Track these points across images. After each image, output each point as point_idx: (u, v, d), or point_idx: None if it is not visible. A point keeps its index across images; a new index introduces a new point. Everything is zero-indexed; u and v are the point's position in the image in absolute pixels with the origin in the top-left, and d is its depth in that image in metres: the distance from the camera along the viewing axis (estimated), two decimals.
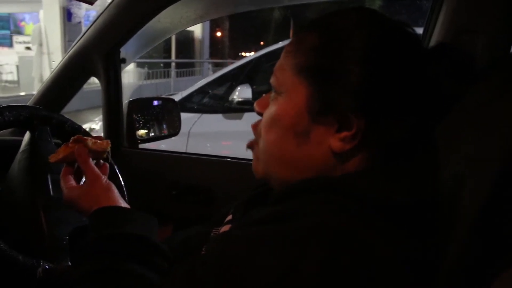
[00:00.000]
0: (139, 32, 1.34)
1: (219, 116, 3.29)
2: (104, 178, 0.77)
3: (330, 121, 0.62)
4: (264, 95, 0.73)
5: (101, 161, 0.84)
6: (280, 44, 3.58)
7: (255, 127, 0.72)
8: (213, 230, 0.80)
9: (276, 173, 0.69)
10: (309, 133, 0.64)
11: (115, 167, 1.18)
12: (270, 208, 0.63)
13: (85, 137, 0.81)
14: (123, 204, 0.74)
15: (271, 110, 0.68)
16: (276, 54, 3.45)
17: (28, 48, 9.70)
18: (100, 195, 0.74)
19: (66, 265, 0.92)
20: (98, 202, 0.72)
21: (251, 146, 0.73)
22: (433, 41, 1.00)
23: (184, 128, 1.74)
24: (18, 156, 1.04)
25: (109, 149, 0.83)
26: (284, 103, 0.66)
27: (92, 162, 0.79)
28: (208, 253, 0.59)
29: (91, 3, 1.32)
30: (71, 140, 0.81)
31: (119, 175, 1.18)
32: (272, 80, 0.69)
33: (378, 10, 0.68)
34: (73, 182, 0.79)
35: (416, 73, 0.63)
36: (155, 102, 1.67)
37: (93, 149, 0.80)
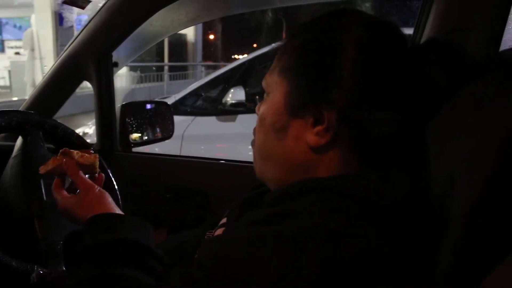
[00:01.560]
0: (131, 36, 1.34)
1: (212, 118, 3.29)
2: (97, 187, 0.78)
3: (306, 116, 0.64)
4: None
5: (96, 175, 0.85)
6: (273, 46, 3.57)
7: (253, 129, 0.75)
8: (207, 233, 0.80)
9: (267, 171, 0.71)
10: (287, 129, 0.66)
11: (109, 171, 1.18)
12: (265, 210, 0.63)
13: (72, 150, 0.83)
14: (118, 211, 0.75)
15: (260, 111, 0.71)
16: (268, 56, 3.45)
17: (17, 53, 9.63)
18: (94, 203, 0.75)
19: (60, 270, 0.91)
20: (93, 210, 0.73)
21: (252, 144, 0.76)
22: (423, 41, 1.00)
23: (177, 131, 1.73)
24: (11, 161, 1.04)
25: (97, 163, 0.85)
26: (269, 103, 0.69)
27: (82, 174, 0.80)
28: (203, 256, 0.59)
29: (83, 8, 1.32)
30: (59, 153, 0.83)
31: (113, 179, 1.18)
32: (263, 83, 0.72)
33: (361, 10, 0.70)
34: (65, 193, 0.81)
35: (395, 69, 0.63)
36: (148, 106, 1.67)
37: (81, 162, 0.82)
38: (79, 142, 1.19)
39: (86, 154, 0.83)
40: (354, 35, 0.62)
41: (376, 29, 0.64)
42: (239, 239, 0.57)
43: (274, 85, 0.68)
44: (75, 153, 0.82)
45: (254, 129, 0.74)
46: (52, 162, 0.83)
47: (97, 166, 0.85)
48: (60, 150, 0.83)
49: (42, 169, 0.84)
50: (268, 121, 0.69)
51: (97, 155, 0.85)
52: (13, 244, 0.95)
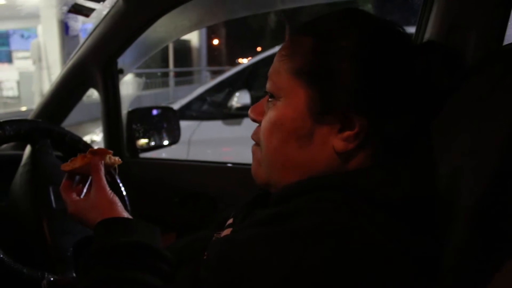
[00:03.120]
0: (135, 43, 1.35)
1: (218, 122, 3.30)
2: (110, 191, 0.78)
3: (332, 121, 0.63)
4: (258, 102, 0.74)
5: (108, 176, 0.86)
6: (277, 49, 3.59)
7: (255, 134, 0.73)
8: (215, 234, 0.80)
9: (280, 179, 0.68)
10: (312, 135, 0.64)
11: (117, 177, 1.19)
12: (271, 209, 0.63)
13: (107, 150, 0.83)
14: (126, 215, 0.76)
15: (270, 115, 0.68)
16: (272, 59, 3.44)
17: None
18: (104, 207, 0.75)
19: (71, 277, 0.92)
20: (102, 214, 0.73)
21: (254, 151, 0.74)
22: (426, 38, 1.00)
23: (184, 136, 1.74)
24: (20, 169, 1.05)
25: (117, 165, 0.86)
26: (283, 107, 0.66)
27: (103, 174, 0.80)
28: (210, 257, 0.59)
29: (87, 16, 1.33)
30: (88, 151, 0.82)
31: (121, 184, 1.19)
32: (269, 85, 0.69)
33: (368, 11, 0.69)
34: (75, 196, 0.80)
35: (409, 70, 0.64)
36: (154, 112, 1.68)
37: (108, 164, 0.83)
38: (86, 149, 1.21)
39: (113, 157, 0.84)
40: (367, 37, 0.62)
41: (388, 32, 0.65)
42: (245, 239, 0.57)
43: (289, 89, 0.65)
44: (108, 157, 0.83)
45: (254, 135, 0.73)
46: (80, 159, 0.81)
47: (117, 169, 0.85)
48: (91, 149, 0.83)
49: (68, 166, 0.82)
50: (286, 127, 0.65)
51: (120, 159, 0.85)
52: (24, 252, 0.95)
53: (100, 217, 0.73)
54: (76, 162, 0.82)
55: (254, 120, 0.73)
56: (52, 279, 0.88)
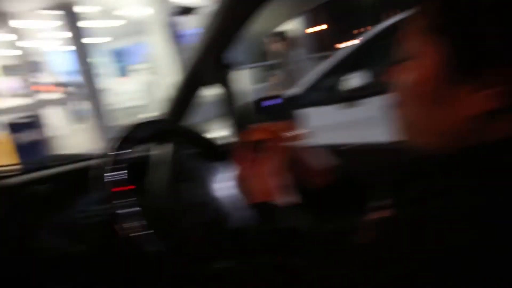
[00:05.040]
0: (243, 36, 1.36)
1: (334, 107, 3.22)
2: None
3: (471, 81, 0.58)
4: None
5: None
6: (382, 25, 3.39)
7: (393, 96, 0.71)
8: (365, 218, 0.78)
9: (418, 141, 0.67)
10: (447, 97, 0.61)
11: None
12: (421, 185, 0.61)
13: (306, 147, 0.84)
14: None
15: (404, 78, 0.66)
16: (379, 36, 3.26)
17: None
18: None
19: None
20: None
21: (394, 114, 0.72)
22: None
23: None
24: (155, 168, 1.12)
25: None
26: (418, 69, 0.63)
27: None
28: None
29: (193, 15, 1.37)
30: (285, 135, 0.85)
31: None
32: (402, 47, 0.67)
33: None
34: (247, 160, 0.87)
35: None
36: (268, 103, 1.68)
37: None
38: (212, 144, 1.25)
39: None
40: None
41: None
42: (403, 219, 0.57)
43: (423, 49, 0.62)
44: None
45: (396, 98, 0.70)
46: (277, 139, 0.83)
47: None
48: (290, 134, 0.85)
49: (261, 134, 0.85)
50: (421, 89, 0.63)
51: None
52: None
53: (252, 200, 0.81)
54: (271, 138, 0.83)
55: (392, 82, 0.71)
56: None
